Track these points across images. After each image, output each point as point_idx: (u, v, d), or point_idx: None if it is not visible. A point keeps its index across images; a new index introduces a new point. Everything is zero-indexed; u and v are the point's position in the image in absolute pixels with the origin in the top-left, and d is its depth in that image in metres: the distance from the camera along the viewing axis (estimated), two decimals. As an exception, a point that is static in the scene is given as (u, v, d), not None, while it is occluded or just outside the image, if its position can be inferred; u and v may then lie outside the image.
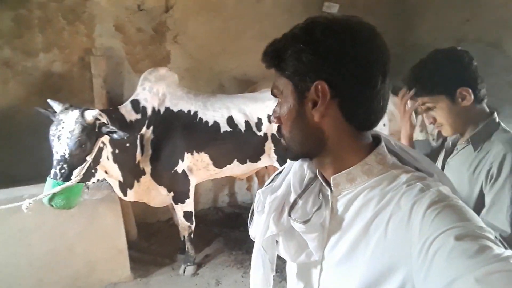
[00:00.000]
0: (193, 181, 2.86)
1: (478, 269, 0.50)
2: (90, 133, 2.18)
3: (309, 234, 0.77)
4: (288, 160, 0.91)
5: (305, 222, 0.76)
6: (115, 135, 2.21)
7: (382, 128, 3.46)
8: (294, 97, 0.73)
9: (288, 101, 0.74)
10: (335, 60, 0.68)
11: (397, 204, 0.67)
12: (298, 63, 0.70)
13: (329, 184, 0.79)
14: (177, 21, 3.40)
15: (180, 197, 2.83)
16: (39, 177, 2.56)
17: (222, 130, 2.78)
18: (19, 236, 2.41)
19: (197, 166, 2.83)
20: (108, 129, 2.21)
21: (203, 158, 2.80)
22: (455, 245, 0.54)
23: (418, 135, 3.59)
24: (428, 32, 4.38)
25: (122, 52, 3.25)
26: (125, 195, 2.63)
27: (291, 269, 0.89)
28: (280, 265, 0.92)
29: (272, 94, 0.79)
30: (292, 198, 0.81)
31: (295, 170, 0.85)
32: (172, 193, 2.81)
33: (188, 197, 2.85)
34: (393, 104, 3.61)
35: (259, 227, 0.86)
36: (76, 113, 2.17)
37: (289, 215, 0.79)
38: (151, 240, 3.49)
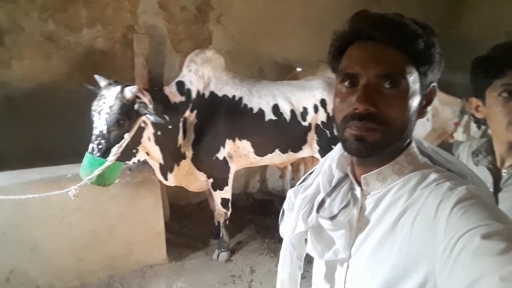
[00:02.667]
0: (233, 168, 2.81)
1: (503, 267, 0.50)
2: (130, 110, 2.12)
3: (336, 232, 0.79)
4: (321, 160, 0.92)
5: (331, 218, 0.77)
6: (151, 118, 2.14)
7: (426, 122, 3.33)
8: (419, 91, 0.72)
9: (415, 91, 0.71)
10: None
11: (424, 202, 0.66)
12: (438, 64, 0.71)
13: (359, 183, 0.79)
14: (221, 0, 3.28)
15: (219, 184, 2.78)
16: (78, 154, 2.55)
17: (266, 118, 2.70)
18: (61, 215, 2.40)
19: (237, 153, 2.77)
20: (146, 111, 2.14)
21: (245, 145, 2.73)
22: (481, 243, 0.54)
23: (459, 136, 3.46)
24: (478, 25, 4.16)
25: (165, 30, 3.16)
26: (165, 178, 2.60)
27: (318, 266, 0.89)
28: (307, 264, 0.91)
29: (389, 74, 0.68)
30: (321, 196, 0.83)
31: (324, 170, 0.85)
32: (211, 180, 2.76)
33: (227, 184, 2.81)
34: (438, 100, 3.48)
35: (289, 225, 0.89)
36: (117, 89, 2.12)
37: (317, 212, 0.81)
38: (183, 222, 3.48)
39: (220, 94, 2.65)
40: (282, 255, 0.93)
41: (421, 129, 3.39)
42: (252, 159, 2.83)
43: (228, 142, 2.68)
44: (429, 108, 0.76)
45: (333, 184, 0.83)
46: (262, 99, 2.72)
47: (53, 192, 2.10)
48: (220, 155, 2.67)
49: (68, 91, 2.88)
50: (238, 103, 2.67)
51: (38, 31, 2.76)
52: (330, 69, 0.81)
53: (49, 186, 2.28)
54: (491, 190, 1.11)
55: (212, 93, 2.63)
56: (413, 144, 0.77)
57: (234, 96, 2.67)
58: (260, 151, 2.79)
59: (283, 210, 0.96)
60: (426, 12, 4.29)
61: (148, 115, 2.16)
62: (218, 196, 2.83)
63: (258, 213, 3.72)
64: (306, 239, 0.87)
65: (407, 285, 0.65)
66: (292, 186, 3.36)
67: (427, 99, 0.75)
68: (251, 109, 2.69)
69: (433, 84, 0.75)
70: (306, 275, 0.96)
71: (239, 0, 3.36)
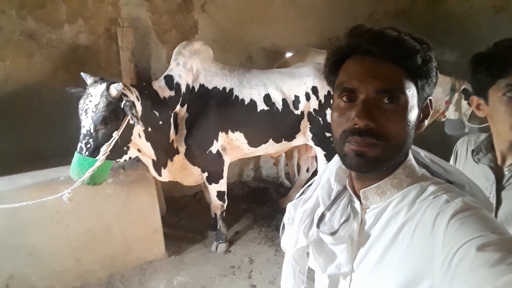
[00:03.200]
0: (227, 160, 2.79)
1: (498, 278, 0.50)
2: (116, 108, 2.07)
3: (337, 246, 0.79)
4: (318, 173, 0.93)
5: (332, 234, 0.78)
6: (134, 120, 2.08)
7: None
8: (417, 105, 0.72)
9: (414, 106, 0.71)
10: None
11: (423, 215, 0.67)
12: (434, 79, 0.73)
13: (358, 196, 0.79)
14: (205, -12, 3.19)
15: (214, 177, 2.77)
16: (68, 154, 2.51)
17: (258, 108, 2.67)
18: (57, 218, 2.38)
19: (231, 146, 2.75)
20: (130, 112, 2.07)
21: (238, 137, 2.71)
22: (477, 255, 0.54)
23: (451, 114, 3.48)
24: (464, 0, 4.13)
25: (149, 22, 3.08)
26: (159, 174, 2.57)
27: (320, 280, 0.90)
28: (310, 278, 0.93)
29: (387, 89, 0.68)
30: (321, 210, 0.82)
31: (323, 184, 0.86)
32: (206, 173, 2.75)
33: (222, 177, 2.80)
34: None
35: (290, 239, 0.90)
36: (103, 86, 2.07)
37: (318, 227, 0.81)
38: (179, 215, 3.48)
39: (210, 86, 2.60)
40: (284, 269, 0.93)
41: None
42: (246, 151, 2.82)
43: (221, 135, 2.66)
44: (426, 122, 0.76)
45: (332, 197, 0.83)
46: (253, 89, 2.69)
47: (47, 198, 2.07)
48: (214, 148, 2.65)
49: (53, 90, 2.81)
50: (229, 95, 2.63)
51: (18, 30, 2.66)
52: (326, 82, 0.81)
53: (42, 191, 2.26)
54: (494, 188, 1.11)
55: (202, 86, 2.59)
56: (410, 156, 0.77)
57: (224, 88, 2.63)
58: (254, 142, 2.77)
59: (284, 224, 0.96)
60: (413, -11, 4.26)
61: (131, 116, 2.10)
62: (213, 189, 2.82)
63: (253, 201, 3.74)
64: (308, 253, 0.88)
65: None
66: (286, 173, 3.37)
67: (424, 113, 0.76)
68: (243, 100, 2.65)
69: (430, 98, 0.76)
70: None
71: (223, -14, 3.27)
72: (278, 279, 2.69)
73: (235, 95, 2.65)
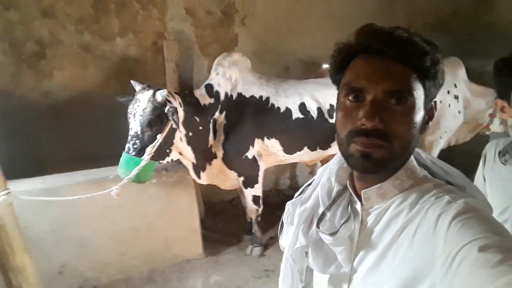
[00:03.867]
0: (263, 166, 2.90)
1: (499, 278, 0.50)
2: (161, 113, 2.26)
3: (337, 247, 0.78)
4: (318, 172, 0.91)
5: (332, 234, 0.76)
6: (175, 124, 2.29)
7: (457, 115, 3.30)
8: (423, 107, 0.71)
9: (420, 108, 0.70)
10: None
11: (424, 216, 0.67)
12: (440, 80, 0.72)
13: (359, 197, 0.78)
14: (245, 2, 3.37)
15: (249, 182, 2.89)
16: (117, 156, 2.72)
17: (294, 116, 2.77)
18: (105, 214, 2.58)
19: (267, 152, 2.86)
20: (171, 117, 2.26)
21: (274, 144, 2.81)
22: (478, 256, 0.54)
23: (495, 127, 3.40)
24: (508, 10, 4.04)
25: (192, 35, 3.29)
26: (199, 177, 2.72)
27: (320, 281, 0.89)
28: (308, 277, 0.92)
29: (397, 90, 0.68)
30: (321, 210, 0.81)
31: (323, 183, 0.84)
32: (242, 178, 2.87)
33: (257, 182, 2.91)
34: (469, 91, 3.43)
35: (289, 238, 0.88)
36: (150, 92, 2.27)
37: (318, 227, 0.80)
38: (216, 219, 3.62)
39: (247, 95, 2.74)
40: (282, 269, 0.93)
41: (452, 121, 3.35)
42: (281, 157, 2.91)
43: (257, 141, 2.78)
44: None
45: (332, 197, 0.82)
46: (289, 98, 2.79)
47: (97, 193, 2.27)
48: (250, 154, 2.77)
49: (105, 98, 3.06)
50: (265, 103, 2.76)
51: (75, 43, 2.95)
52: (331, 81, 0.81)
53: (93, 187, 2.45)
54: None
55: (239, 94, 2.73)
56: (412, 158, 0.77)
57: (261, 97, 2.76)
58: (289, 149, 2.86)
59: (282, 223, 0.95)
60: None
61: (172, 121, 2.29)
62: (249, 193, 2.94)
63: (288, 208, 3.80)
64: (306, 252, 0.87)
65: None
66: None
67: (429, 115, 0.75)
68: (278, 108, 2.77)
69: (435, 100, 0.75)
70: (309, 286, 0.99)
71: (262, 1, 3.43)
72: (311, 284, 2.73)
73: (271, 103, 2.77)
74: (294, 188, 4.26)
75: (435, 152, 3.50)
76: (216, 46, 3.38)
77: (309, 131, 2.82)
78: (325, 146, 2.94)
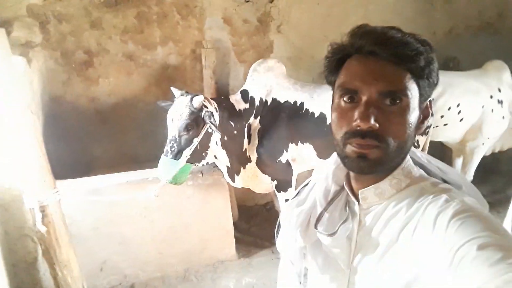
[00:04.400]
0: (296, 171, 2.93)
1: (499, 277, 0.50)
2: (197, 117, 2.35)
3: (336, 247, 0.79)
4: (314, 172, 0.91)
5: (331, 235, 0.77)
6: (213, 127, 2.36)
7: (501, 121, 3.17)
8: (418, 107, 0.72)
9: (415, 107, 0.71)
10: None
11: (422, 215, 0.67)
12: (435, 79, 0.72)
13: (356, 197, 0.78)
14: (281, 10, 3.43)
15: (282, 186, 2.92)
16: (156, 159, 2.85)
17: (328, 121, 2.79)
18: (145, 213, 2.71)
19: (301, 157, 2.88)
20: (209, 121, 2.35)
21: (308, 149, 2.83)
22: (477, 254, 0.54)
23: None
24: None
25: (229, 43, 3.39)
26: (233, 181, 2.80)
27: (319, 281, 0.87)
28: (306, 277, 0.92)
29: (391, 91, 0.68)
30: (318, 211, 0.81)
31: (320, 183, 0.85)
32: (275, 182, 2.91)
33: (291, 186, 2.93)
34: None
35: (287, 240, 0.89)
36: (187, 98, 2.37)
37: (316, 228, 0.80)
38: (250, 222, 3.68)
39: (282, 100, 2.79)
40: (280, 270, 0.96)
41: (496, 127, 3.21)
42: (315, 162, 2.93)
43: (291, 146, 2.81)
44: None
45: (329, 198, 0.82)
46: (323, 103, 2.81)
47: (138, 193, 2.41)
48: (284, 158, 2.81)
49: (147, 103, 3.23)
50: (299, 108, 2.79)
51: (120, 52, 3.13)
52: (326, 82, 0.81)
53: (134, 188, 2.61)
54: None
55: (274, 99, 2.78)
56: (408, 157, 0.77)
57: (295, 102, 2.80)
58: (323, 154, 2.87)
59: (279, 224, 0.94)
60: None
61: (210, 125, 2.37)
62: (282, 197, 2.97)
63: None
64: (304, 253, 0.87)
65: None
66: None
67: (424, 114, 0.75)
68: (313, 113, 2.79)
69: (430, 99, 0.75)
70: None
71: (298, 7, 3.47)
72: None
73: (306, 108, 2.79)
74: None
75: (477, 159, 3.38)
76: (252, 53, 3.46)
77: (342, 136, 2.82)
78: (358, 151, 2.92)
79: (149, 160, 3.06)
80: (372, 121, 0.67)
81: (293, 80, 2.89)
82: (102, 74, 3.13)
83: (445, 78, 3.26)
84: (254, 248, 3.23)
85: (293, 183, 2.94)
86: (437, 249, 0.62)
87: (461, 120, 3.18)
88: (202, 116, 2.38)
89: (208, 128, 2.45)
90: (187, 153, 2.37)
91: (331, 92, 3.02)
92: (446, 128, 3.21)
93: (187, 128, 2.35)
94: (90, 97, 3.15)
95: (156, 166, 2.78)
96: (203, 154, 2.53)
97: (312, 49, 3.62)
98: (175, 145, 2.38)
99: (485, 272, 0.53)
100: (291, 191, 2.96)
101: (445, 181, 0.75)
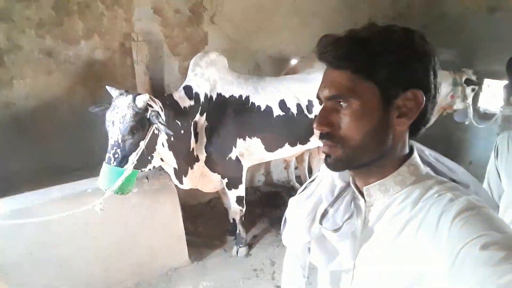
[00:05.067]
0: (246, 166, 2.87)
1: (501, 277, 0.50)
2: (142, 118, 2.15)
3: (340, 243, 0.80)
4: (322, 168, 0.91)
5: (335, 230, 0.78)
6: (162, 128, 2.17)
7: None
8: (378, 103, 0.70)
9: (368, 106, 0.69)
10: (431, 69, 0.70)
11: (426, 214, 0.67)
12: (398, 70, 0.68)
13: (362, 193, 0.79)
14: (213, 0, 3.29)
15: (233, 183, 2.84)
16: (87, 168, 2.56)
17: (275, 114, 2.76)
18: (85, 229, 2.42)
19: (249, 151, 2.82)
20: (157, 121, 2.16)
21: (256, 143, 2.78)
22: (480, 254, 0.55)
23: (459, 105, 3.65)
24: (458, 1, 4.29)
25: (161, 35, 3.16)
26: (181, 182, 2.64)
27: (323, 276, 0.90)
28: (310, 272, 0.94)
29: (334, 95, 0.70)
30: (324, 206, 0.83)
31: (326, 180, 0.86)
32: (226, 180, 2.82)
33: (241, 182, 2.87)
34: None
35: (292, 235, 0.91)
36: (129, 98, 2.14)
37: (320, 223, 0.82)
38: (196, 222, 3.53)
39: (227, 95, 2.68)
40: (285, 264, 0.96)
41: None
42: (263, 155, 2.89)
43: (239, 141, 2.73)
44: (407, 118, 0.71)
45: (335, 194, 0.84)
46: (269, 96, 2.77)
47: (80, 209, 2.12)
48: (233, 155, 2.72)
49: (72, 105, 2.87)
50: (245, 102, 2.72)
51: (37, 48, 2.72)
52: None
53: (71, 203, 2.30)
54: None
55: (219, 94, 2.67)
56: (415, 154, 0.77)
57: (241, 96, 2.72)
58: (271, 147, 2.85)
59: (285, 219, 0.96)
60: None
61: (158, 125, 2.19)
62: (233, 195, 2.89)
63: (267, 205, 3.81)
64: (309, 248, 0.89)
65: None
66: (296, 176, 3.45)
67: (404, 108, 0.70)
68: (259, 106, 2.74)
69: (413, 90, 0.69)
70: (312, 281, 0.99)
71: (230, -2, 3.38)
72: (311, 279, 2.75)
73: (252, 102, 2.73)
74: (269, 184, 4.28)
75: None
76: (186, 46, 3.27)
77: (290, 128, 2.83)
78: (305, 141, 2.97)
79: (79, 169, 2.75)
80: (321, 125, 0.72)
81: (236, 74, 2.80)
82: (16, 75, 2.70)
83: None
84: (206, 250, 3.11)
85: (244, 179, 2.87)
86: (441, 248, 0.62)
87: None
88: (148, 117, 2.17)
89: (154, 130, 2.25)
90: (133, 158, 2.15)
91: (276, 84, 3.00)
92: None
93: (132, 131, 2.12)
94: (3, 102, 2.69)
95: (88, 176, 2.50)
96: (149, 157, 2.32)
97: (247, 40, 3.56)
98: (118, 151, 2.14)
99: (487, 272, 0.52)
100: (242, 187, 2.90)
101: (453, 180, 0.75)
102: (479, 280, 0.53)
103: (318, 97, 0.77)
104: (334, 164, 0.75)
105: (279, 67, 3.69)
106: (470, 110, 3.66)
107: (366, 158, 0.74)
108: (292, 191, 4.11)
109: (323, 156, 2.73)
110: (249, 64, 3.64)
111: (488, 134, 4.13)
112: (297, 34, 3.81)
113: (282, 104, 2.78)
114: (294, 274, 0.94)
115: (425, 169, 0.77)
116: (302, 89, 2.85)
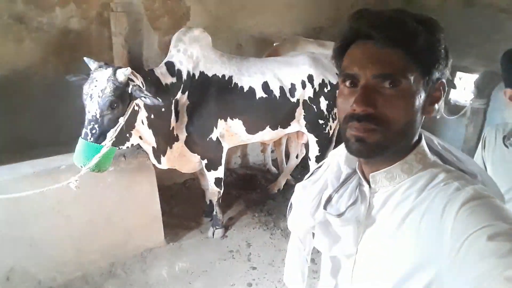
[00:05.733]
0: (226, 147, 2.83)
1: (508, 268, 0.50)
2: (123, 93, 2.06)
3: (343, 228, 0.80)
4: (329, 155, 0.92)
5: (339, 215, 0.78)
6: (148, 101, 2.10)
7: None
8: (423, 89, 0.70)
9: (415, 89, 0.68)
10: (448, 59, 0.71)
11: (431, 202, 0.67)
12: (441, 59, 0.70)
13: (368, 180, 0.79)
14: (198, -27, 3.16)
15: (213, 164, 2.80)
16: (59, 143, 2.43)
17: (257, 96, 2.72)
18: (58, 208, 2.32)
19: (229, 133, 2.78)
20: (142, 94, 2.08)
21: (237, 124, 2.74)
22: (487, 245, 0.54)
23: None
24: (436, -7, 4.36)
25: (141, 7, 3.01)
26: (159, 162, 2.57)
27: (325, 261, 0.91)
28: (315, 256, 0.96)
29: (386, 74, 0.67)
30: (329, 192, 0.83)
31: (332, 166, 0.86)
32: (205, 161, 2.77)
33: (221, 164, 2.83)
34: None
35: (296, 219, 0.91)
36: (109, 71, 2.04)
37: (325, 208, 0.81)
38: (171, 203, 3.46)
39: (210, 74, 2.61)
40: (289, 249, 0.95)
41: None
42: (244, 138, 2.86)
43: (220, 122, 2.68)
44: (437, 106, 0.74)
45: (341, 180, 0.83)
46: (252, 77, 2.72)
47: (54, 186, 2.02)
48: (214, 135, 2.67)
49: (44, 77, 2.70)
50: (228, 82, 2.66)
51: (6, 13, 2.52)
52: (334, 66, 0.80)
53: (43, 180, 2.18)
54: None
55: (202, 73, 2.59)
56: (423, 142, 0.76)
57: (224, 76, 2.65)
58: (252, 129, 2.82)
59: (291, 204, 0.95)
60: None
61: (143, 98, 2.10)
62: (212, 176, 2.85)
63: (243, 188, 3.80)
64: (313, 233, 0.88)
65: (414, 282, 0.67)
66: (273, 160, 3.44)
67: (434, 96, 0.73)
68: (242, 87, 2.69)
69: (442, 80, 0.73)
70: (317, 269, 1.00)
71: (215, -28, 3.26)
72: (276, 261, 2.78)
73: (235, 82, 2.67)
74: (245, 166, 4.26)
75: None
76: (167, 20, 3.14)
77: (272, 111, 2.80)
78: (286, 125, 2.95)
79: (51, 144, 2.61)
80: (366, 105, 0.67)
81: (219, 52, 2.72)
82: (-18, 42, 2.49)
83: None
84: (181, 231, 3.07)
85: (223, 160, 2.84)
86: (445, 237, 0.61)
87: None
88: (130, 91, 2.08)
89: (134, 106, 2.16)
90: (111, 135, 2.06)
91: (259, 65, 2.94)
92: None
93: (111, 106, 2.03)
94: (-32, 70, 2.49)
95: (59, 152, 2.39)
96: (128, 135, 2.24)
97: (230, 18, 3.46)
98: (96, 126, 2.04)
99: (494, 262, 0.52)
100: (221, 169, 2.86)
101: (461, 170, 0.74)
102: (485, 271, 0.52)
103: (349, 75, 0.71)
104: (370, 150, 0.70)
105: (261, 48, 3.63)
106: (442, 105, 3.77)
107: (404, 142, 0.73)
108: (268, 174, 4.12)
109: (302, 141, 2.69)
110: (231, 44, 3.55)
111: (457, 126, 4.29)
112: (280, 16, 3.76)
113: (265, 86, 2.74)
114: (298, 259, 0.93)
115: (432, 157, 0.76)
116: (286, 72, 2.81)
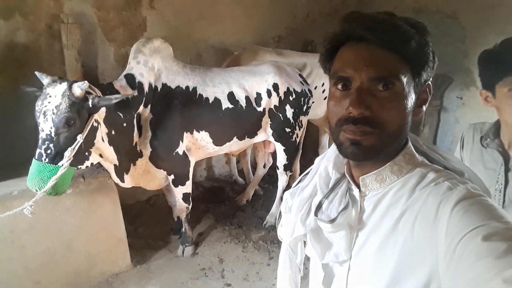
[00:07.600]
0: (193, 161, 2.72)
1: (506, 269, 0.49)
2: (80, 109, 1.92)
3: (335, 234, 0.79)
4: (316, 161, 0.91)
5: (331, 221, 0.77)
6: (113, 101, 1.97)
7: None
8: (413, 91, 0.71)
9: (408, 92, 0.69)
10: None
11: (424, 202, 0.67)
12: (430, 62, 0.71)
13: (357, 184, 0.78)
14: (153, -18, 3.06)
15: (180, 179, 2.69)
16: (10, 165, 2.24)
17: (223, 107, 2.65)
18: (11, 238, 2.11)
19: (196, 146, 2.68)
20: (105, 102, 1.97)
21: (203, 137, 2.65)
22: (482, 245, 0.54)
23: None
24: (387, 1, 4.52)
25: (94, 18, 2.85)
26: (122, 181, 2.41)
27: (315, 271, 0.89)
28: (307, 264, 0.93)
29: (381, 77, 0.67)
30: (319, 198, 0.82)
31: (321, 172, 0.85)
32: (172, 176, 2.65)
33: (188, 179, 2.72)
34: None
35: (287, 228, 0.89)
36: (63, 86, 1.90)
37: (316, 215, 0.80)
38: (135, 222, 3.28)
39: (173, 85, 2.51)
40: (281, 258, 0.92)
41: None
42: (211, 150, 2.77)
43: (186, 135, 2.58)
44: (424, 108, 0.76)
45: (330, 185, 0.82)
46: (217, 87, 2.65)
47: (5, 214, 1.83)
48: (180, 149, 2.56)
49: (-12, 95, 2.47)
50: (192, 94, 2.57)
51: None
52: (322, 69, 0.79)
53: (-8, 208, 1.97)
54: (502, 170, 1.25)
55: (164, 85, 2.48)
56: (410, 143, 0.77)
57: (187, 87, 2.56)
58: (219, 141, 2.74)
59: (280, 213, 0.94)
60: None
61: (112, 101, 1.97)
62: (179, 191, 2.73)
63: (211, 201, 3.68)
64: (305, 242, 0.86)
65: (411, 284, 0.66)
66: (238, 170, 3.39)
67: (422, 98, 0.75)
68: (207, 99, 2.61)
69: (428, 82, 0.74)
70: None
71: (171, -19, 3.16)
72: (250, 275, 2.70)
73: (199, 93, 2.59)
74: (211, 179, 4.15)
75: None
76: (123, 31, 3.00)
77: (239, 121, 2.74)
78: (253, 134, 2.91)
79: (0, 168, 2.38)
80: (363, 108, 0.67)
81: (182, 63, 2.63)
82: None
83: (312, 60, 3.50)
84: (149, 251, 2.90)
85: (191, 175, 2.73)
86: (440, 239, 0.61)
87: (325, 98, 3.47)
88: (92, 105, 1.94)
89: (93, 122, 2.02)
90: (69, 154, 1.90)
91: (224, 75, 2.90)
92: (314, 105, 3.43)
93: (68, 122, 1.88)
94: None
95: (11, 176, 2.19)
96: (87, 153, 2.09)
97: (188, 28, 3.38)
98: (51, 145, 1.88)
99: (490, 263, 0.51)
100: (189, 184, 2.76)
101: (448, 169, 0.74)
102: (482, 272, 0.51)
103: (342, 77, 0.70)
104: (366, 153, 0.70)
105: (221, 57, 3.57)
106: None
107: (396, 145, 0.73)
108: (235, 186, 4.04)
109: (269, 150, 2.65)
110: (190, 54, 3.46)
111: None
112: (239, 25, 3.73)
113: (231, 96, 2.67)
114: (290, 269, 0.90)
115: (420, 158, 0.76)
116: (251, 81, 2.77)
